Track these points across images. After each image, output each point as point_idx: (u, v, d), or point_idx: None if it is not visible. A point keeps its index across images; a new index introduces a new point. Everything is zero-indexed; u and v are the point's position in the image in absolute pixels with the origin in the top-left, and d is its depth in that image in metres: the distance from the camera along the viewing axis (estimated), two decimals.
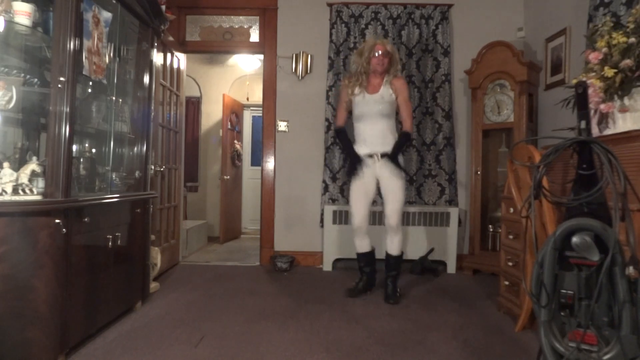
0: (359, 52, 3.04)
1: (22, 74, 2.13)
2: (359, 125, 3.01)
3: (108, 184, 2.52)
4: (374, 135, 2.94)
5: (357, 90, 3.00)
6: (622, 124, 2.02)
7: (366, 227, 3.04)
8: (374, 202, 3.13)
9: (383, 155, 2.94)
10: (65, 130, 1.91)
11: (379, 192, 3.05)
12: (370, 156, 2.97)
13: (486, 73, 3.71)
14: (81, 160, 2.35)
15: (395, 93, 2.98)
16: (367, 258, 3.10)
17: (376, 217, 3.74)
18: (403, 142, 3.00)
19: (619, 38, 1.99)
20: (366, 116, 2.96)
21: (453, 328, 2.43)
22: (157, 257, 3.24)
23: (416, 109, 4.03)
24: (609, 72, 1.98)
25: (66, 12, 1.92)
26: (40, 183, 1.94)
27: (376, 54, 2.92)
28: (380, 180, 2.99)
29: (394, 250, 3.01)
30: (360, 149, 2.99)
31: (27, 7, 1.94)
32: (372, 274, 3.13)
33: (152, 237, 3.06)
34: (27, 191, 1.86)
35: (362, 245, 3.07)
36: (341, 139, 3.10)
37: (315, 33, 4.11)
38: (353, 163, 3.01)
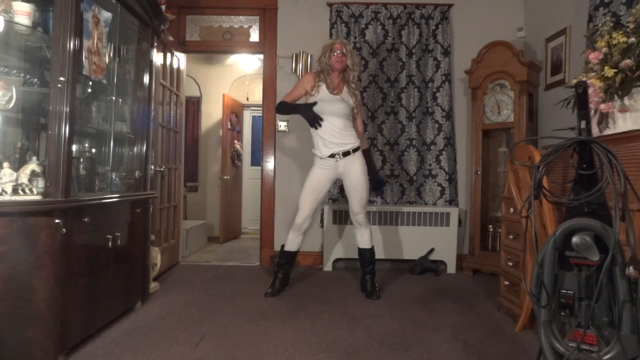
0: (322, 51, 3.08)
1: (22, 74, 2.13)
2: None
3: (108, 184, 2.52)
4: (334, 133, 2.97)
5: (322, 88, 3.02)
6: (622, 124, 2.02)
7: (307, 227, 3.07)
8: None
9: (345, 154, 2.99)
10: (65, 130, 1.91)
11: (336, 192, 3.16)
12: (332, 156, 2.99)
13: (486, 73, 3.71)
14: (81, 160, 2.35)
15: (355, 102, 3.09)
16: (292, 257, 3.16)
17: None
18: (370, 157, 3.28)
19: (619, 38, 1.99)
20: (328, 114, 2.98)
21: (453, 328, 2.43)
22: (157, 257, 3.24)
23: (416, 109, 4.03)
24: (609, 72, 1.98)
25: (66, 12, 1.92)
26: (40, 183, 1.94)
27: (335, 53, 2.99)
28: (345, 177, 3.04)
29: (366, 244, 3.09)
30: (322, 151, 3.00)
31: (27, 7, 1.94)
32: (289, 273, 3.21)
33: (152, 237, 3.06)
34: (27, 191, 1.86)
35: (295, 243, 3.10)
36: (285, 106, 3.07)
37: (315, 33, 4.11)
38: (312, 117, 2.99)
